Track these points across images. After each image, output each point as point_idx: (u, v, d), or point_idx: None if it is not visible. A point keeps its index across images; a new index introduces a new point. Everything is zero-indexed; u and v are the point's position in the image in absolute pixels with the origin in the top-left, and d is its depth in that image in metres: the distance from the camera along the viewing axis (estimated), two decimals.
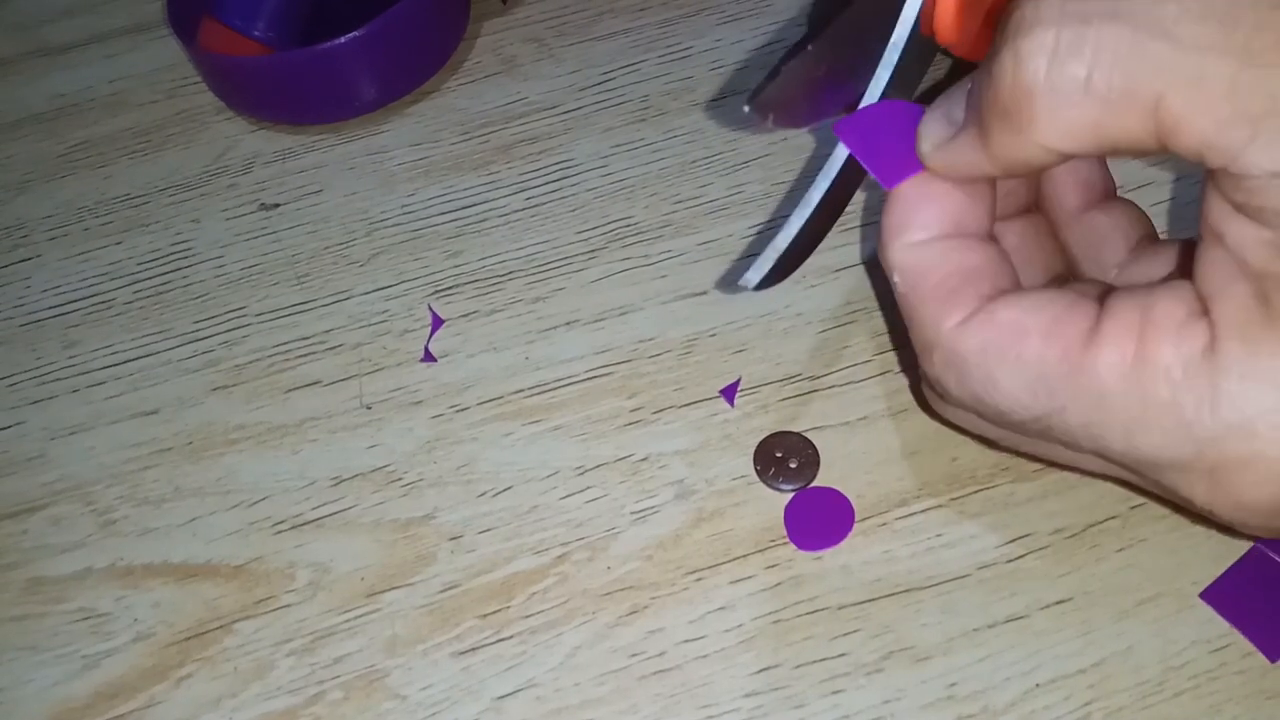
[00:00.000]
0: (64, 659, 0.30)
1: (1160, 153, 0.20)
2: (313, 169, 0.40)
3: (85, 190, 0.41)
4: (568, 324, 0.35)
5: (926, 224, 0.24)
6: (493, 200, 0.38)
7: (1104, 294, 0.23)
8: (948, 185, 0.24)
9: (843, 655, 0.28)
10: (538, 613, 0.29)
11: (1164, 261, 0.26)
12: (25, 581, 0.31)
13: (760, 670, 0.28)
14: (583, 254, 0.36)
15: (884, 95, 0.25)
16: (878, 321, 0.34)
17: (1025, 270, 0.27)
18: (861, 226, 0.36)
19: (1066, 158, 0.21)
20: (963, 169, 0.23)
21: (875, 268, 0.35)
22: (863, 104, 0.25)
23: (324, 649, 0.29)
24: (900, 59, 0.25)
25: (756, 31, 0.42)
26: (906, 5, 0.25)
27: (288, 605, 0.30)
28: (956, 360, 0.23)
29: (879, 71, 0.25)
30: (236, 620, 0.30)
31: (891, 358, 0.33)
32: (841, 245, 0.35)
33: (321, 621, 0.30)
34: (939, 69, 0.39)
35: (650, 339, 0.34)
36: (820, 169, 0.25)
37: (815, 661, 0.28)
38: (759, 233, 0.36)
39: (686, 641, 0.29)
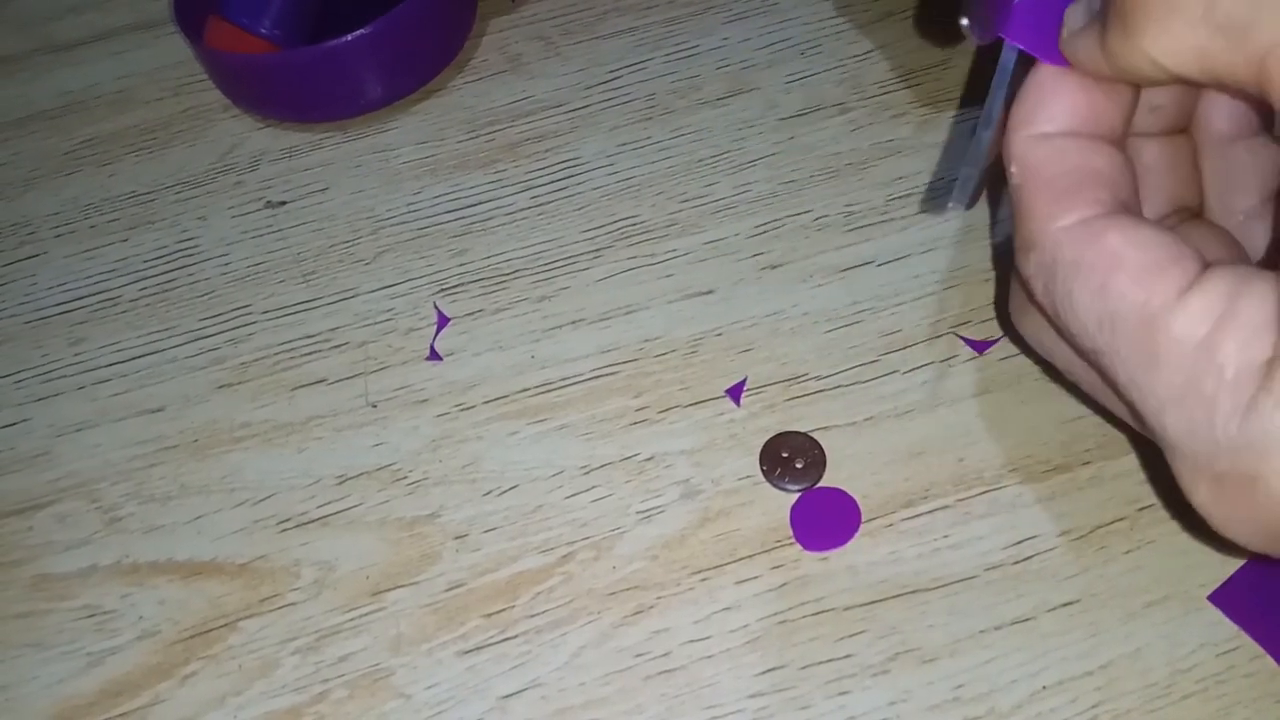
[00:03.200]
0: (69, 656, 0.30)
1: (1265, 104, 0.19)
2: (319, 167, 0.40)
3: (91, 187, 0.41)
4: (573, 323, 0.35)
5: (1054, 117, 0.23)
6: (499, 199, 0.38)
7: (1215, 260, 0.22)
8: (1085, 81, 0.23)
9: (849, 656, 0.28)
10: (543, 612, 0.29)
11: None
12: (31, 578, 0.31)
13: (766, 671, 0.28)
14: (589, 253, 0.36)
15: None
16: (885, 321, 0.33)
17: (1153, 194, 0.26)
18: (867, 227, 0.36)
19: (1175, 80, 0.20)
20: (1086, 64, 0.22)
21: (880, 266, 0.35)
22: None
23: (329, 647, 0.29)
24: None
25: (764, 30, 0.42)
26: None
27: (293, 603, 0.30)
28: (1049, 266, 0.22)
29: None
30: (241, 618, 0.30)
31: (899, 357, 0.33)
32: (848, 245, 0.35)
33: (326, 620, 0.30)
34: None
35: (656, 338, 0.34)
36: (993, 81, 0.25)
37: (821, 662, 0.28)
38: (764, 232, 0.36)
39: (692, 642, 0.28)
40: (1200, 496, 0.21)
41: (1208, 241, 0.26)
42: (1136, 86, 0.24)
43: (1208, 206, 0.27)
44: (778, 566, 0.29)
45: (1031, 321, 0.26)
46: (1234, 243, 0.26)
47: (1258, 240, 0.26)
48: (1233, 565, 0.28)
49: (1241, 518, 0.21)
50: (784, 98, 0.39)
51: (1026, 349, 0.30)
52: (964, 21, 0.23)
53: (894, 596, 0.29)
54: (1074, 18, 0.22)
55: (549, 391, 0.33)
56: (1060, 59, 0.23)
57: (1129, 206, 0.23)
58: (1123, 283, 0.21)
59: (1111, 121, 0.23)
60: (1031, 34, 0.23)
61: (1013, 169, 0.24)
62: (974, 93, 0.32)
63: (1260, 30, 0.18)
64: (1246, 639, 0.27)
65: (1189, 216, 0.26)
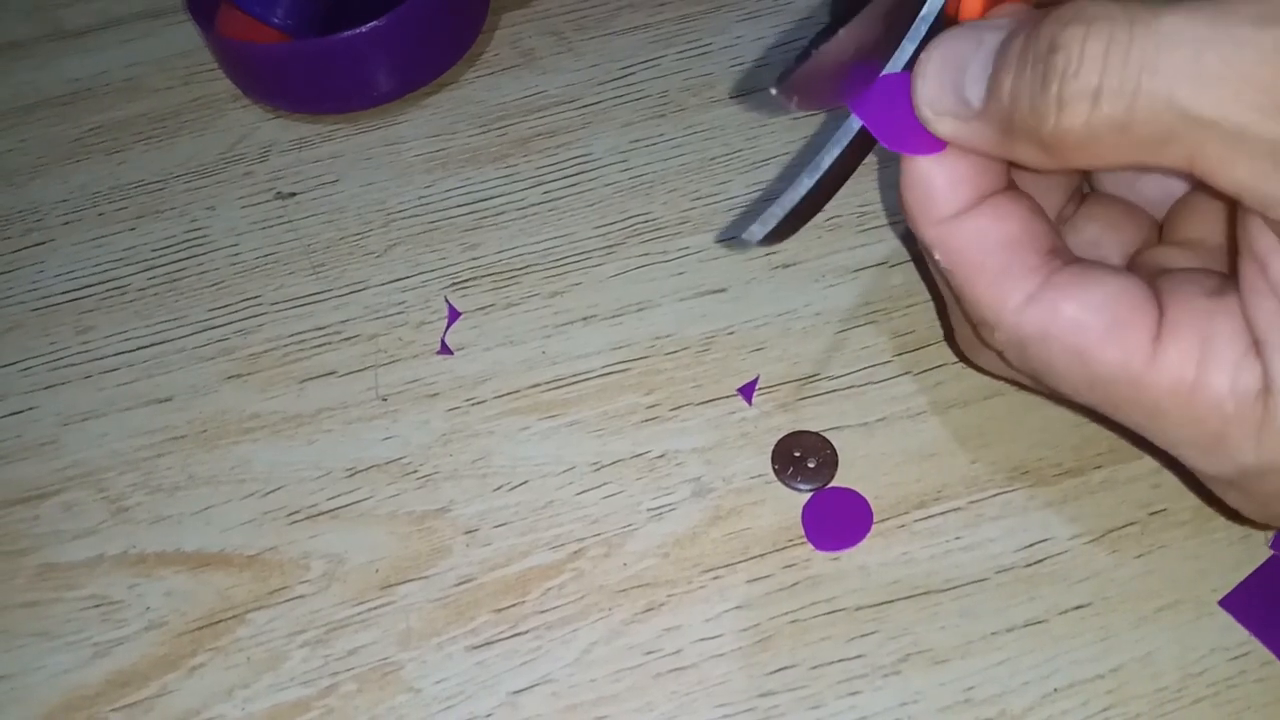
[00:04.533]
0: (75, 646, 0.30)
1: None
2: (329, 158, 0.40)
3: (99, 175, 0.40)
4: (585, 319, 0.35)
5: (948, 196, 0.23)
6: (510, 193, 0.38)
7: (1156, 276, 0.23)
8: (956, 151, 0.23)
9: (860, 657, 0.28)
10: (553, 608, 0.29)
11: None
12: (37, 567, 0.31)
13: (777, 670, 0.28)
14: (600, 249, 0.36)
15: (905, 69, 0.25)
16: (897, 321, 0.33)
17: (1047, 193, 0.26)
18: (880, 227, 0.36)
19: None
20: (973, 148, 0.22)
21: (893, 267, 0.35)
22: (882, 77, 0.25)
23: (338, 640, 0.29)
24: (926, 36, 0.24)
25: (776, 28, 0.42)
26: None
27: (301, 596, 0.30)
28: (1017, 341, 0.23)
29: (903, 46, 0.25)
30: (250, 610, 0.30)
31: (911, 358, 0.33)
32: (861, 245, 0.35)
33: (336, 613, 0.30)
34: None
35: (668, 335, 0.34)
36: (833, 134, 0.25)
37: (832, 662, 0.28)
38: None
39: (702, 640, 0.28)
40: (1235, 501, 0.23)
41: (1111, 216, 0.27)
42: None
43: (1096, 180, 0.28)
44: (789, 566, 0.29)
45: (986, 357, 0.27)
46: (1131, 207, 0.27)
47: (1151, 192, 0.27)
48: (1244, 570, 0.28)
49: (1277, 512, 0.22)
50: None
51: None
52: (773, 90, 0.22)
53: (906, 597, 0.29)
54: (939, 99, 0.22)
55: (560, 387, 0.33)
56: (910, 143, 0.23)
57: (1056, 249, 0.23)
58: (1095, 349, 0.22)
59: (995, 170, 0.23)
60: (880, 114, 0.23)
61: (936, 257, 0.24)
62: None
63: (1181, 139, 0.19)
64: (1257, 644, 0.27)
65: (1080, 197, 0.28)
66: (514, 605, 0.29)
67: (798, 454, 0.31)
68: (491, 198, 0.38)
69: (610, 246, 0.36)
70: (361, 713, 0.28)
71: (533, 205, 0.38)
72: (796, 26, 0.42)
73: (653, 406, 0.33)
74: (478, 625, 0.29)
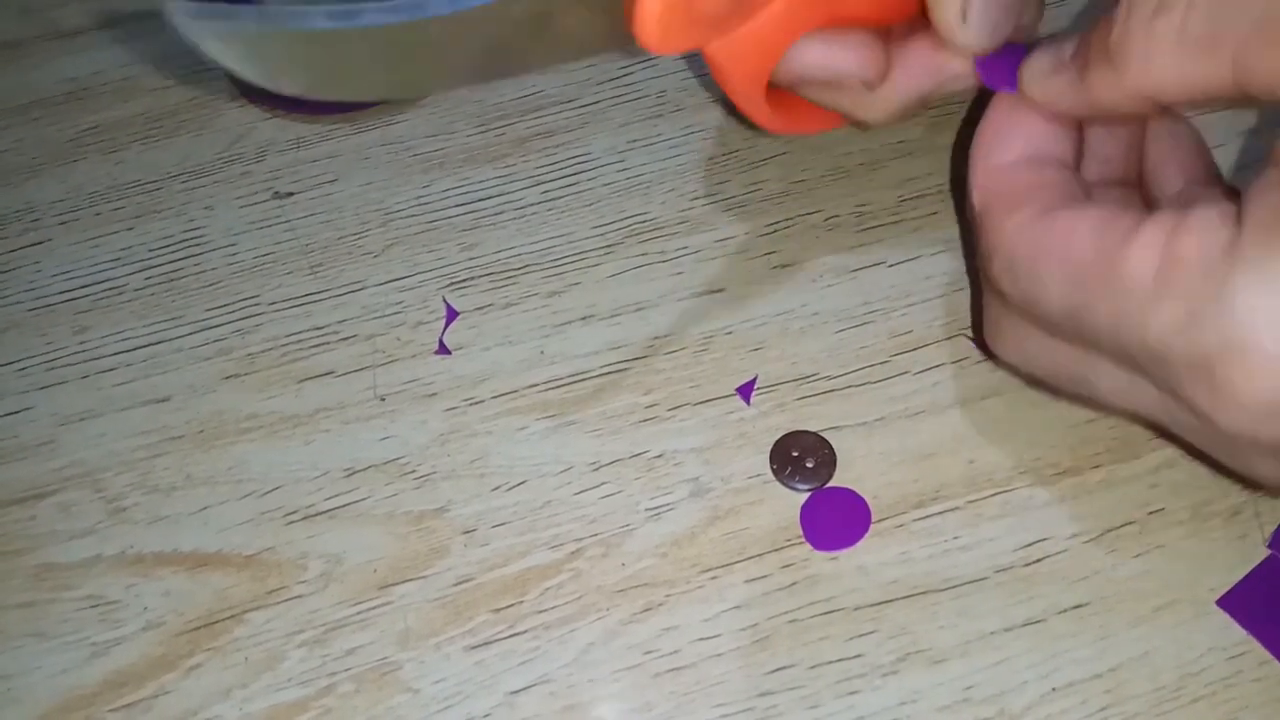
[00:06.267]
0: (72, 646, 0.30)
1: (1243, 100, 0.21)
2: (327, 158, 0.40)
3: (96, 175, 0.40)
4: (583, 319, 0.35)
5: (1011, 147, 0.26)
6: (508, 193, 0.38)
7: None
8: (1037, 116, 0.25)
9: (859, 656, 0.28)
10: (551, 608, 0.29)
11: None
12: (34, 568, 0.31)
13: (775, 670, 0.28)
14: (599, 249, 0.36)
15: None
16: (896, 322, 0.33)
17: (1103, 167, 0.28)
18: (878, 227, 0.36)
19: (1156, 107, 0.23)
20: (1057, 103, 0.25)
21: (891, 267, 0.35)
22: None
23: (336, 641, 0.29)
24: None
25: None
26: None
27: (299, 596, 0.30)
28: (1011, 260, 0.24)
29: None
30: (247, 610, 0.30)
31: (909, 358, 0.33)
32: (859, 245, 0.35)
33: (333, 613, 0.29)
34: None
35: (666, 336, 0.34)
36: None
37: (831, 662, 0.28)
38: (775, 231, 0.36)
39: (701, 640, 0.28)
40: (1204, 399, 0.22)
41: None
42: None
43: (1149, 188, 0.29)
44: (787, 565, 0.29)
45: (1007, 338, 0.27)
46: None
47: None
48: (1241, 570, 0.28)
49: (1247, 400, 0.21)
50: None
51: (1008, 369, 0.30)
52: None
53: (904, 597, 0.29)
54: (1039, 62, 0.25)
55: (558, 387, 0.33)
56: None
57: (1078, 201, 0.25)
58: (1079, 243, 0.23)
59: (1063, 147, 0.26)
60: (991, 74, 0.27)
61: (974, 197, 0.26)
62: (983, 95, 0.32)
63: (1225, 37, 0.20)
64: (1255, 644, 0.27)
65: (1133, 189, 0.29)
66: (512, 605, 0.29)
67: (796, 454, 0.31)
68: (489, 198, 0.38)
69: (608, 246, 0.36)
70: (359, 713, 0.28)
71: (531, 205, 0.38)
72: None
73: (651, 406, 0.33)
74: (476, 625, 0.29)
